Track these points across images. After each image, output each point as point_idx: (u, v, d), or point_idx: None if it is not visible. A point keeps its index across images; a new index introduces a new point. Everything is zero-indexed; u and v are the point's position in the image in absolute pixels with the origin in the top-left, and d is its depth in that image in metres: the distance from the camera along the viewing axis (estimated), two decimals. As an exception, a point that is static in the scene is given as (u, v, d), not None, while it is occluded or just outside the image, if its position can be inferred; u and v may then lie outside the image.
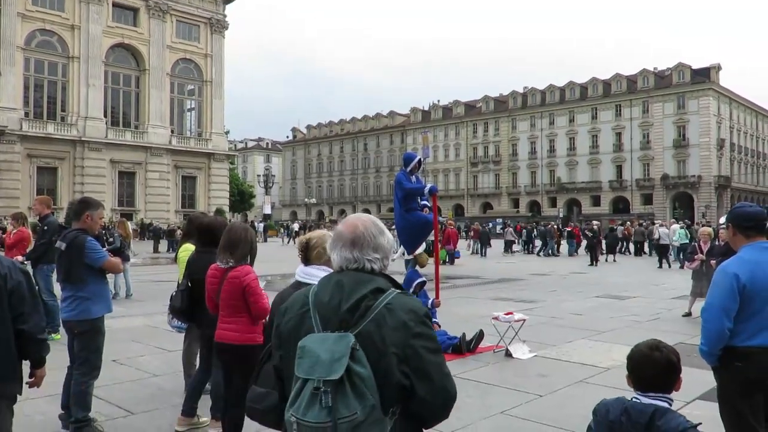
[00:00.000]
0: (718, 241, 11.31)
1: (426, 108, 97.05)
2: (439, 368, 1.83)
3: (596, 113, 77.73)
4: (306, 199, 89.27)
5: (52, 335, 8.56)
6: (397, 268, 8.55)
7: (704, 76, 71.57)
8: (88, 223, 4.81)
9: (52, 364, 7.02)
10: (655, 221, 37.11)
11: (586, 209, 75.03)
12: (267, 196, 65.07)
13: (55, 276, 8.43)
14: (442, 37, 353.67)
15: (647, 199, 73.92)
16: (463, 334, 7.89)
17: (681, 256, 23.15)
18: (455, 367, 7.28)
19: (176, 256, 6.21)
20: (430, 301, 8.12)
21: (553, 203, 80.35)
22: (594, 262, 25.08)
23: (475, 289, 14.91)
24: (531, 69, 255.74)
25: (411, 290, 8.26)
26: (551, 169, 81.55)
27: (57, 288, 8.28)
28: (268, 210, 64.50)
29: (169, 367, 7.17)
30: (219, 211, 48.77)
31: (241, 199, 68.38)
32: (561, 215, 67.34)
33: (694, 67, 72.72)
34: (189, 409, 5.00)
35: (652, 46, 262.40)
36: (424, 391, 1.78)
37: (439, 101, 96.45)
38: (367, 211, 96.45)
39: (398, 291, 1.92)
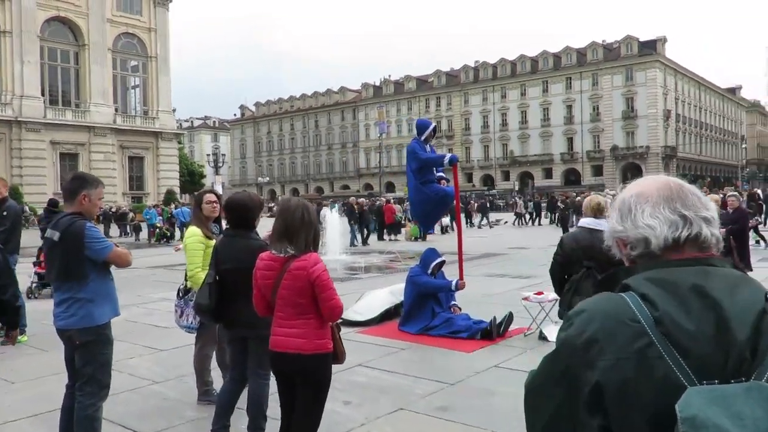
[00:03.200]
0: (726, 208, 10.92)
1: (377, 83, 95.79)
2: None
3: (547, 86, 78.17)
4: (259, 178, 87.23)
5: (20, 337, 7.39)
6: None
7: (651, 49, 72.78)
8: (85, 205, 3.79)
9: (29, 373, 6.01)
10: (607, 192, 37.50)
11: (538, 182, 75.78)
12: (217, 176, 62.78)
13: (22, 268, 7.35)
14: (392, 9, 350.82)
15: (598, 171, 75.13)
16: (494, 318, 7.18)
17: None
18: (490, 355, 6.61)
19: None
20: (453, 283, 7.38)
21: (507, 176, 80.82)
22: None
23: (467, 265, 14.29)
24: (482, 43, 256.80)
25: (429, 270, 7.52)
26: (504, 143, 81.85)
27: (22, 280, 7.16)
28: (219, 190, 62.28)
29: (167, 371, 6.21)
30: (170, 193, 46.89)
31: (191, 179, 65.93)
32: (516, 188, 67.67)
33: (641, 40, 73.79)
34: (222, 428, 4.10)
35: (601, 18, 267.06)
36: None
37: (390, 76, 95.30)
38: (319, 189, 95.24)
39: None
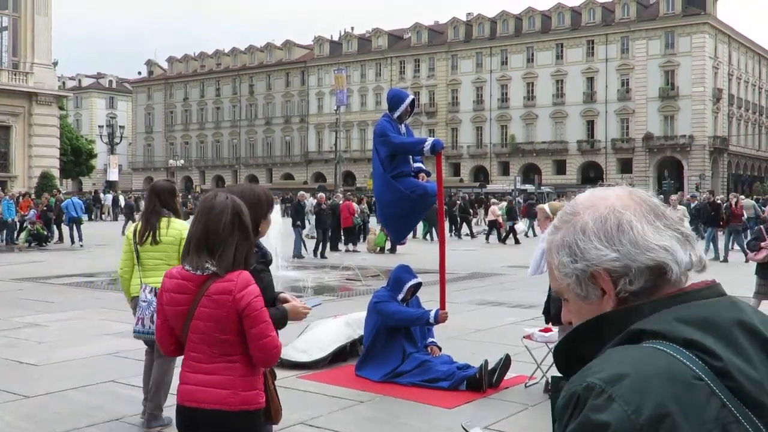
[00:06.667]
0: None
1: (335, 38, 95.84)
2: None
3: (562, 51, 79.24)
4: (171, 161, 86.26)
5: None
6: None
7: (699, 7, 74.30)
8: None
9: None
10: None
11: (547, 177, 76.70)
12: (113, 156, 62.26)
13: None
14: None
15: (625, 166, 76.42)
16: (485, 362, 7.20)
17: None
18: (478, 412, 6.65)
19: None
20: (432, 314, 7.38)
21: (506, 170, 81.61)
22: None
23: (448, 288, 14.38)
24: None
25: (401, 296, 7.53)
26: (503, 125, 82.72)
27: None
28: (114, 175, 61.82)
29: (36, 427, 6.11)
30: (47, 177, 46.07)
31: (76, 159, 64.88)
32: (516, 186, 68.25)
33: (686, -6, 75.32)
34: None
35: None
36: None
37: (353, 29, 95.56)
38: (253, 178, 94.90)
39: None
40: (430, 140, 7.47)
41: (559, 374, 1.50)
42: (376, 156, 7.68)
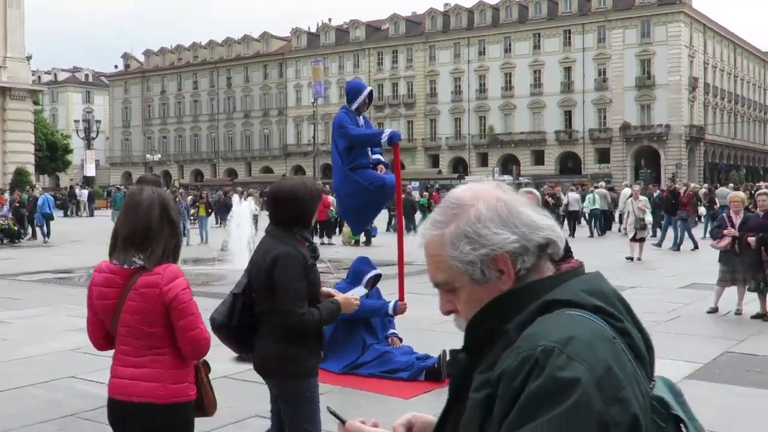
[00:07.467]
0: (755, 209, 11.29)
1: (313, 30, 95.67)
2: None
3: (539, 41, 79.49)
4: (148, 155, 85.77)
5: None
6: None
7: (674, -4, 74.73)
8: None
9: None
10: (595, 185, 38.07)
11: (525, 168, 76.94)
12: (89, 151, 61.73)
13: None
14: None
15: (603, 156, 76.87)
16: (443, 353, 7.23)
17: (594, 224, 27.73)
18: (435, 402, 6.56)
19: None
20: (391, 305, 7.40)
21: (484, 161, 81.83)
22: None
23: (415, 280, 14.34)
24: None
25: (362, 286, 7.51)
26: (481, 115, 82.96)
27: None
28: (91, 171, 61.33)
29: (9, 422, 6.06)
30: (22, 173, 45.69)
31: (51, 154, 64.28)
32: (495, 177, 68.48)
33: (661, -16, 75.71)
34: None
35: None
36: None
37: (330, 21, 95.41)
38: (232, 172, 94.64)
39: None
40: (387, 131, 7.49)
41: (455, 348, 1.62)
42: (335, 148, 7.69)
